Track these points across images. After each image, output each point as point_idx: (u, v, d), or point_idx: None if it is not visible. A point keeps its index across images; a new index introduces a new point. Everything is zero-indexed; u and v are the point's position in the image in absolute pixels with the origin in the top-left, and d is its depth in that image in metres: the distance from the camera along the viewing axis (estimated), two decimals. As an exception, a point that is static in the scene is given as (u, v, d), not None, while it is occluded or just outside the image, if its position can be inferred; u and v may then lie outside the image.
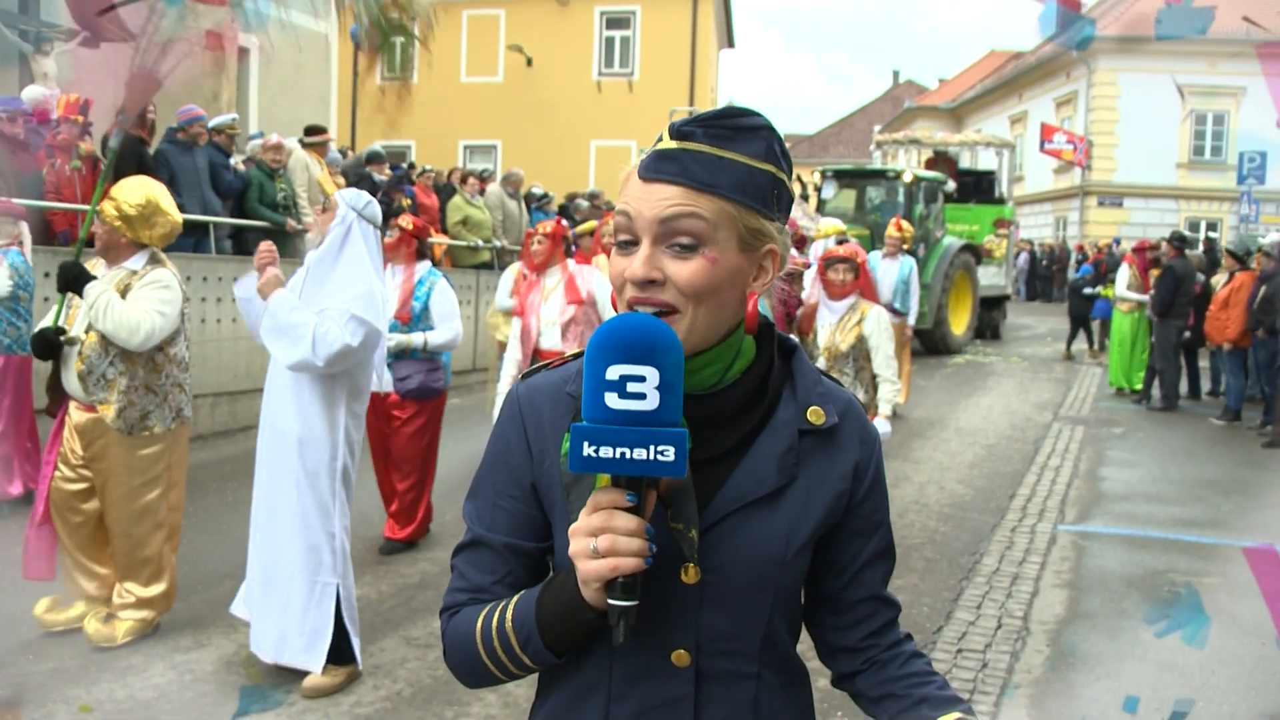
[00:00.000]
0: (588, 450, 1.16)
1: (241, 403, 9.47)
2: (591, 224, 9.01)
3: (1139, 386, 13.59)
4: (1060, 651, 5.02)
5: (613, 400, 1.17)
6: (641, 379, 1.16)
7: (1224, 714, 4.37)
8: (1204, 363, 14.07)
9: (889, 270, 10.82)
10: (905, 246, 11.01)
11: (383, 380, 4.87)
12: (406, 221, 6.18)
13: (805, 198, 19.62)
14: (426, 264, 6.27)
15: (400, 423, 6.07)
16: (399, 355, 5.95)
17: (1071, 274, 30.19)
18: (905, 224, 11.42)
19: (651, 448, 1.16)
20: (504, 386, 6.63)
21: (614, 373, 1.17)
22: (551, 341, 6.36)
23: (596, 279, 6.56)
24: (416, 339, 6.01)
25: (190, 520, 6.02)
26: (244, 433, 8.92)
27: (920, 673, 1.43)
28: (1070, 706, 4.43)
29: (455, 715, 4.11)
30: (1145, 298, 13.28)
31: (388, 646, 4.77)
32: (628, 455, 1.16)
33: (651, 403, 1.17)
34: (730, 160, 1.28)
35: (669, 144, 1.29)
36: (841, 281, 5.86)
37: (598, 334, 1.19)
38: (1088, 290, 17.39)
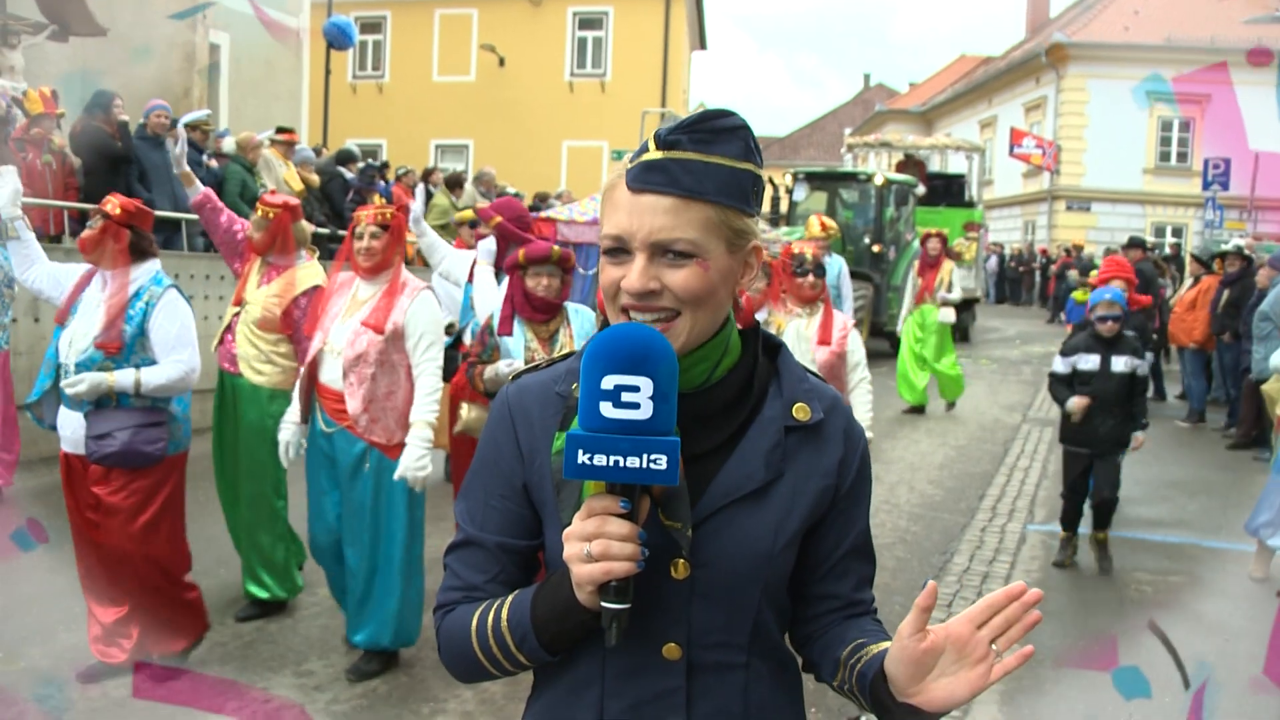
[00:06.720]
0: (582, 458, 1.19)
1: (208, 400, 9.37)
2: (469, 213, 7.74)
3: (954, 398, 12.46)
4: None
5: (607, 409, 1.19)
6: (635, 389, 1.19)
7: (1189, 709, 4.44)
8: (1173, 366, 14.23)
9: None
10: (862, 245, 10.10)
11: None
12: (113, 205, 4.18)
13: (777, 200, 19.71)
14: (152, 266, 4.25)
15: (107, 505, 4.12)
16: (99, 403, 4.07)
17: (1037, 278, 30.46)
18: (830, 221, 10.74)
19: (644, 456, 1.18)
20: (284, 435, 4.62)
21: (609, 382, 1.19)
22: (331, 375, 4.39)
23: (417, 305, 4.36)
24: (123, 378, 4.04)
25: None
26: (201, 435, 8.87)
27: (870, 630, 1.48)
28: (1040, 703, 4.49)
29: (431, 712, 4.11)
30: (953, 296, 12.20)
31: (363, 644, 4.76)
32: (621, 463, 1.18)
33: (645, 412, 1.19)
34: (715, 164, 1.31)
35: (655, 154, 1.31)
36: None
37: (593, 344, 1.22)
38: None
